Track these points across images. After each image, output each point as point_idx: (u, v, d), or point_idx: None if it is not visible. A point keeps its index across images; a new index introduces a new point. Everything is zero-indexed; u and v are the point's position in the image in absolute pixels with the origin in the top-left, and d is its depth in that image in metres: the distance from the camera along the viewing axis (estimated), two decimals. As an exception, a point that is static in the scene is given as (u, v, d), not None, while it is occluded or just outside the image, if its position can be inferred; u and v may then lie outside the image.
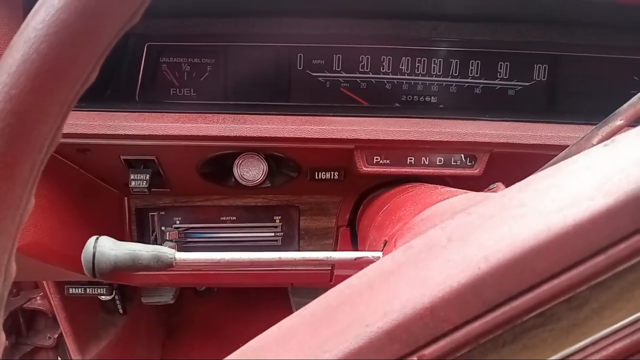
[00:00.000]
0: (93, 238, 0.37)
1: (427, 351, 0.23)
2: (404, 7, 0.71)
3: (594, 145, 0.50)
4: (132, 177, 0.63)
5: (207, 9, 0.72)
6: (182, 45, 0.75)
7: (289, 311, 0.95)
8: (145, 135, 0.59)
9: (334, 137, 0.61)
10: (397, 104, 0.79)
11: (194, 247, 0.77)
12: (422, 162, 0.63)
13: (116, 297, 1.10)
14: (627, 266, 0.23)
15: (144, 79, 0.74)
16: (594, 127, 0.54)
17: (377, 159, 0.63)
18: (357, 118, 0.64)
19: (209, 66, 0.77)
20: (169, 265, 0.37)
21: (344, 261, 0.41)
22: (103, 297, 1.04)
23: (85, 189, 0.69)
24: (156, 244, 0.76)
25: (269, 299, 1.56)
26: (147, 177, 0.63)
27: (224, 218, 0.77)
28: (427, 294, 0.24)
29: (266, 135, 0.60)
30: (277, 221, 0.77)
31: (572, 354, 0.23)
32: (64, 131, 0.57)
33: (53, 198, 0.65)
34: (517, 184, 0.28)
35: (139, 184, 0.63)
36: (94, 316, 1.17)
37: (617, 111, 0.51)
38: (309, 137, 0.61)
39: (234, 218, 0.77)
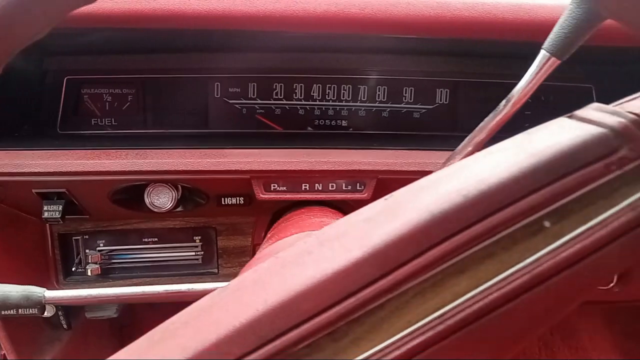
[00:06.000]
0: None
1: (216, 379, 0.28)
2: (307, 42, 0.77)
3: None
4: (45, 208, 0.67)
5: (122, 47, 0.77)
6: (100, 78, 0.79)
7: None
8: (51, 172, 0.63)
9: (229, 168, 0.66)
10: (310, 128, 0.84)
11: (119, 269, 0.81)
12: (316, 188, 0.68)
13: (59, 312, 1.12)
14: (375, 305, 0.28)
15: (64, 111, 0.77)
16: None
17: (274, 186, 0.68)
18: (252, 150, 0.69)
19: (130, 96, 0.81)
20: (38, 303, 0.41)
21: (207, 291, 0.46)
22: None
23: (5, 219, 0.72)
24: (80, 267, 0.80)
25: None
26: (60, 208, 0.67)
27: (146, 240, 0.81)
28: (215, 330, 0.29)
29: (165, 169, 0.65)
30: (197, 241, 0.81)
31: (334, 378, 0.28)
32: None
33: (-28, 230, 0.68)
34: (319, 231, 0.34)
35: (52, 215, 0.67)
36: (38, 333, 1.18)
37: (465, 140, 0.57)
38: (207, 169, 0.66)
39: (156, 239, 0.81)
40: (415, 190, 0.32)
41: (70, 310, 1.15)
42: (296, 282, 0.29)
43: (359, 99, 0.84)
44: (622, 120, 0.28)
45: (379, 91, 0.85)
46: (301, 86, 0.83)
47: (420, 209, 0.29)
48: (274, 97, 0.83)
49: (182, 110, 0.82)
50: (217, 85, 0.82)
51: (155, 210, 0.70)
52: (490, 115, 0.56)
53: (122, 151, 0.67)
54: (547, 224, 0.28)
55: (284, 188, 0.68)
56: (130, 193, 0.70)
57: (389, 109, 0.85)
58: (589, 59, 0.80)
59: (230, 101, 0.83)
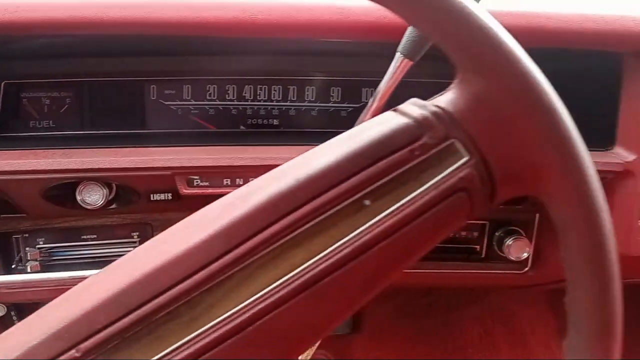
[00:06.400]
0: None
1: (83, 345, 0.32)
2: (237, 46, 0.81)
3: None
4: (-22, 206, 0.71)
5: (59, 52, 0.80)
6: (38, 82, 0.82)
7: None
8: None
9: (152, 165, 0.70)
10: (243, 127, 0.89)
11: (59, 265, 0.84)
12: (237, 183, 0.73)
13: (12, 312, 1.14)
14: (224, 277, 0.33)
15: (3, 114, 0.80)
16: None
17: (196, 182, 0.72)
18: (177, 147, 0.73)
19: (68, 99, 0.84)
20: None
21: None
22: (-5, 313, 1.07)
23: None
24: (20, 264, 0.83)
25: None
26: (-7, 206, 0.71)
27: (85, 237, 0.84)
28: (89, 302, 0.33)
29: (90, 167, 0.69)
30: (135, 237, 0.85)
31: (191, 339, 0.32)
32: None
33: None
34: (189, 216, 0.38)
35: (-16, 212, 0.70)
36: (-11, 333, 1.20)
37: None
38: (131, 166, 0.70)
39: (95, 236, 0.84)
40: (267, 178, 0.37)
41: (23, 310, 1.17)
42: (158, 258, 0.34)
43: (289, 98, 0.89)
44: (425, 112, 0.33)
45: (307, 91, 0.89)
46: (233, 87, 0.87)
47: (262, 193, 0.34)
48: (208, 98, 0.87)
49: (119, 111, 0.85)
50: (153, 87, 0.86)
51: (88, 207, 0.73)
52: (364, 110, 0.62)
53: (50, 151, 0.70)
54: (367, 202, 0.33)
55: (207, 183, 0.72)
56: (62, 191, 0.73)
57: (317, 108, 0.90)
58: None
59: (166, 103, 0.86)
